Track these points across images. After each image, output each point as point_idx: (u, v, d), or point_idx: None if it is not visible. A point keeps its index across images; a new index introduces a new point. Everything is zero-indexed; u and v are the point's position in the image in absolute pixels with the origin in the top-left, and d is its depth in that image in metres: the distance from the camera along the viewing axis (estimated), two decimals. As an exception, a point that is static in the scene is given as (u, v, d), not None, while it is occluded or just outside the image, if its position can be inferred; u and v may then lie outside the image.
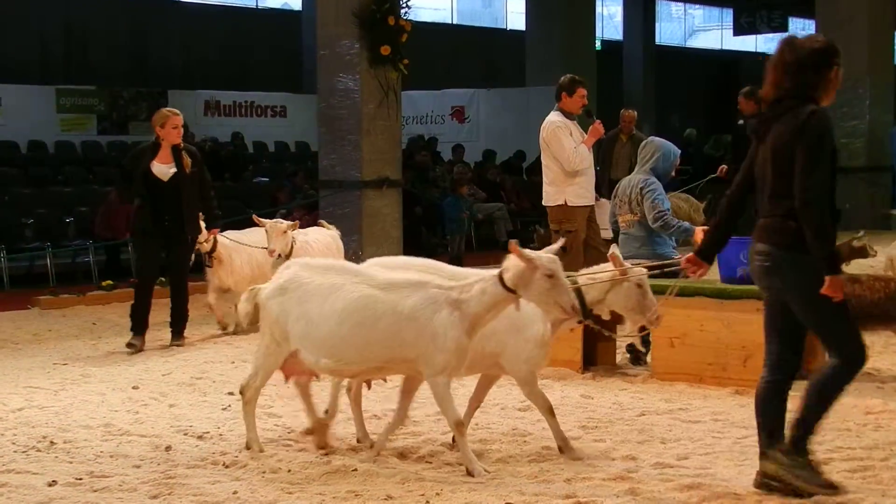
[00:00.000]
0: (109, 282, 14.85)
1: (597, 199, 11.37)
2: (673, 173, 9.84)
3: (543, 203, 11.34)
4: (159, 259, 11.46)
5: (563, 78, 11.23)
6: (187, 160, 11.27)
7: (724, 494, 6.12)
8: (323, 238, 12.27)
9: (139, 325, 11.13)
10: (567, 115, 10.99)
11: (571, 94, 10.99)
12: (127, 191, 12.34)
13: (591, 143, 10.99)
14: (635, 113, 17.87)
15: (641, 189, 9.58)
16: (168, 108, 11.60)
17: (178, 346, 11.14)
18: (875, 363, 9.19)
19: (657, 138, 10.04)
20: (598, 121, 11.18)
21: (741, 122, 15.35)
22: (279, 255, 11.09)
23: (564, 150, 10.83)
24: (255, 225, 11.69)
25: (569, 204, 10.96)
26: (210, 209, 11.64)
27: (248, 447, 7.04)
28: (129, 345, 10.96)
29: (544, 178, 11.24)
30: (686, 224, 9.48)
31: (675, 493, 6.18)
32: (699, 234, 9.21)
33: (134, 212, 11.58)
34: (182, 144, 11.38)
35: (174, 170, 11.20)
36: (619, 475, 6.50)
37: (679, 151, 9.86)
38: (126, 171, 11.75)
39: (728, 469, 6.62)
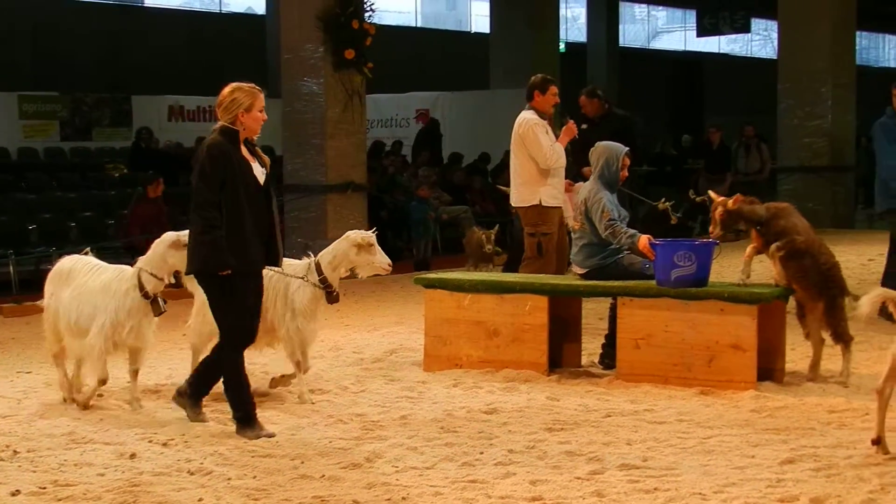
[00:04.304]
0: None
1: (572, 184, 11.22)
2: (624, 172, 9.78)
3: (515, 204, 11.22)
4: None
5: (534, 77, 11.18)
6: (266, 159, 7.95)
7: (690, 495, 6.14)
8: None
9: (251, 407, 7.75)
10: (540, 114, 10.96)
11: (544, 93, 10.96)
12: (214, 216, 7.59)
13: (565, 142, 10.96)
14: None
15: (586, 200, 9.59)
16: (250, 84, 7.87)
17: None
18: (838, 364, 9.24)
19: (601, 143, 9.94)
20: (571, 121, 11.16)
21: (584, 126, 14.22)
22: None
23: (542, 147, 10.80)
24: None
25: (543, 204, 10.92)
26: None
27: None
28: (268, 435, 7.59)
29: (516, 179, 11.14)
30: (632, 231, 9.48)
31: (641, 494, 6.20)
32: (643, 240, 9.26)
33: (217, 241, 7.55)
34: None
35: (265, 172, 7.84)
36: (584, 477, 6.52)
37: (625, 150, 9.78)
38: (210, 192, 7.60)
39: (694, 469, 6.64)
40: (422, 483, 6.44)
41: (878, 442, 6.96)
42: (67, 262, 8.77)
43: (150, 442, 7.44)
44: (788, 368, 9.34)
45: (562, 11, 32.28)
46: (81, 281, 8.53)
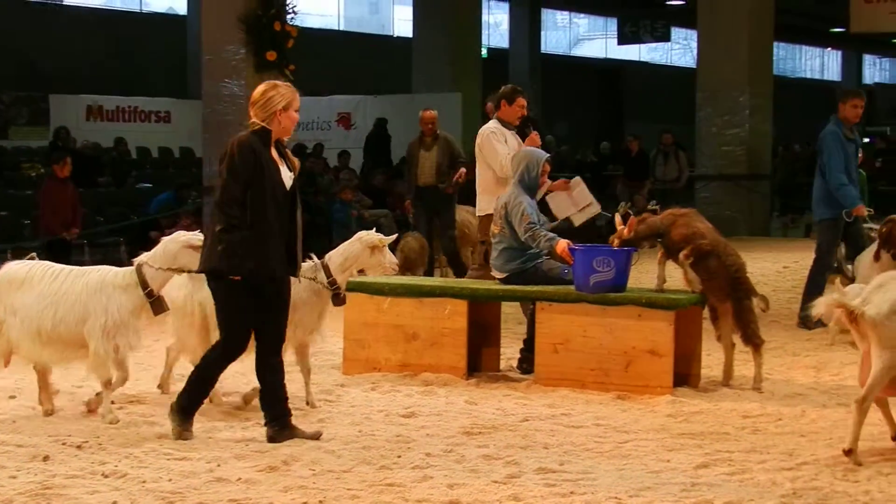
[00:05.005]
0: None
1: (569, 182, 11.05)
2: (544, 178, 9.83)
3: (477, 213, 11.27)
4: None
5: (504, 87, 11.12)
6: (296, 161, 7.77)
7: (606, 499, 6.19)
8: None
9: (197, 407, 7.68)
10: (505, 124, 10.88)
11: (511, 104, 10.89)
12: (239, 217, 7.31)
13: None
14: (435, 113, 16.14)
15: (506, 204, 9.64)
16: (285, 82, 7.77)
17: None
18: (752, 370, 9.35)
19: (524, 148, 10.05)
20: (535, 132, 11.13)
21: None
22: None
23: (497, 155, 10.75)
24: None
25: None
26: None
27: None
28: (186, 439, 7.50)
29: (478, 188, 11.17)
30: (551, 234, 9.53)
31: (558, 498, 6.23)
32: (562, 244, 9.32)
33: (233, 243, 7.26)
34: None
35: (292, 176, 7.63)
36: (502, 480, 6.54)
37: (546, 156, 9.87)
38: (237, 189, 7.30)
39: (610, 474, 6.69)
40: (339, 486, 6.42)
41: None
42: (20, 269, 8.24)
43: (63, 444, 7.34)
44: (704, 374, 9.44)
45: (484, 17, 32.37)
46: (53, 286, 8.05)
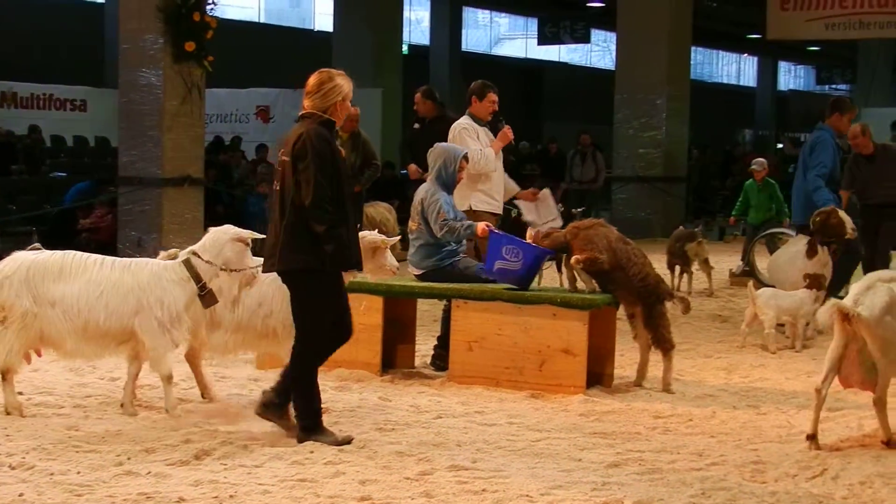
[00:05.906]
0: None
1: (538, 192, 11.01)
2: (461, 175, 9.81)
3: None
4: None
5: (474, 83, 11.01)
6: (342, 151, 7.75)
7: (517, 497, 6.20)
8: None
9: (319, 415, 7.46)
10: (476, 119, 10.80)
11: (482, 99, 10.80)
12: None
13: (498, 147, 10.72)
14: (358, 110, 15.28)
15: (422, 200, 9.63)
16: (338, 72, 7.67)
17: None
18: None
19: (441, 144, 10.02)
20: (507, 126, 11.07)
21: (417, 125, 14.02)
22: None
23: (470, 151, 10.71)
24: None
25: (474, 209, 10.68)
26: None
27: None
28: (344, 441, 7.29)
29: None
30: (468, 221, 9.56)
31: (469, 495, 6.24)
32: (481, 225, 9.35)
33: (343, 238, 7.23)
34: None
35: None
36: (414, 477, 6.53)
37: (464, 152, 9.85)
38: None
39: (522, 472, 6.71)
40: (250, 481, 6.39)
41: (812, 438, 7.36)
42: (50, 258, 7.84)
43: (-31, 435, 7.23)
44: (617, 374, 9.51)
45: (405, 13, 32.38)
46: (99, 276, 7.76)
